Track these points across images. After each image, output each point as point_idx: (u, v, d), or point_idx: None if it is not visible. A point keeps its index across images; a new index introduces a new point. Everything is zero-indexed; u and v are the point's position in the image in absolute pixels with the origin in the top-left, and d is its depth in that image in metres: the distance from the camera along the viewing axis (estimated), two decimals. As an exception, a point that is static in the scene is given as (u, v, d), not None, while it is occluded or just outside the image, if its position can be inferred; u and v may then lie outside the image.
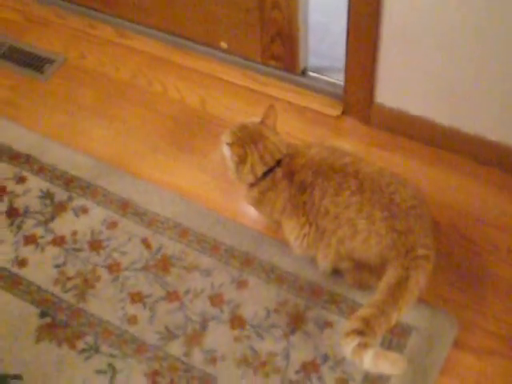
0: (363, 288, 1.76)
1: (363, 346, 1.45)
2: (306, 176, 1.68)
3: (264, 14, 2.09)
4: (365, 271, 1.69)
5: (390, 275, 1.59)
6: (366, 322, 1.49)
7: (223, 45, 2.26)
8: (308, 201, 1.67)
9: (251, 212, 1.93)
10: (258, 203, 1.78)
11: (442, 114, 1.98)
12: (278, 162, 1.72)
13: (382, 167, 1.70)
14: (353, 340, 1.46)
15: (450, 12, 1.74)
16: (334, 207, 1.64)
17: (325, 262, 1.72)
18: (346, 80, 2.06)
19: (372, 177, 1.65)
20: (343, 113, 2.12)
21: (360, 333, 1.47)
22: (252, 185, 1.76)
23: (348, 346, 1.46)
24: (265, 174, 1.72)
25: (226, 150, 1.74)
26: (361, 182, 1.64)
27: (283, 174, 1.71)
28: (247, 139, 1.71)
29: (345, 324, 1.55)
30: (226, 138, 1.74)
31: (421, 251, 1.61)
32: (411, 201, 1.65)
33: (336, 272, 1.76)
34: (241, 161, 1.71)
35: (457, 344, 1.68)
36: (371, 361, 1.43)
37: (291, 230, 1.72)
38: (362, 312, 1.53)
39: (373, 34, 1.89)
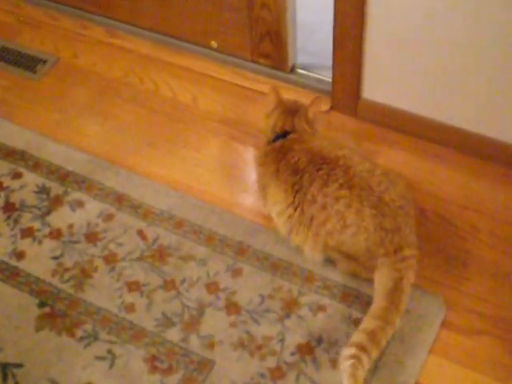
0: (355, 276, 1.82)
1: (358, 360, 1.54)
2: (300, 161, 1.76)
3: (253, 14, 2.16)
4: (355, 263, 1.76)
5: (385, 280, 1.67)
6: (372, 334, 1.58)
7: (213, 44, 2.32)
8: (297, 184, 1.76)
9: (245, 202, 2.00)
10: (258, 164, 1.90)
11: (426, 108, 2.05)
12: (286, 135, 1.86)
13: (374, 165, 1.77)
14: (350, 350, 1.56)
15: (434, 8, 1.82)
16: (322, 197, 1.72)
17: (314, 251, 1.79)
18: (334, 76, 2.14)
19: (362, 174, 1.73)
20: (331, 108, 2.19)
21: (362, 348, 1.56)
22: (265, 144, 1.90)
23: (344, 355, 1.56)
24: (275, 140, 1.86)
25: (269, 95, 1.91)
26: (350, 177, 1.72)
27: (281, 146, 1.82)
28: (285, 104, 1.90)
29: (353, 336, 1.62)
30: (272, 89, 1.91)
31: (408, 251, 1.69)
32: (400, 200, 1.72)
33: (328, 260, 1.83)
34: (271, 110, 1.90)
35: (444, 324, 1.75)
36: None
37: (275, 203, 1.81)
38: (369, 324, 1.61)
39: (358, 32, 1.96)
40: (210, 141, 2.16)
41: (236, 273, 1.87)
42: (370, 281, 1.72)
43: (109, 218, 2.00)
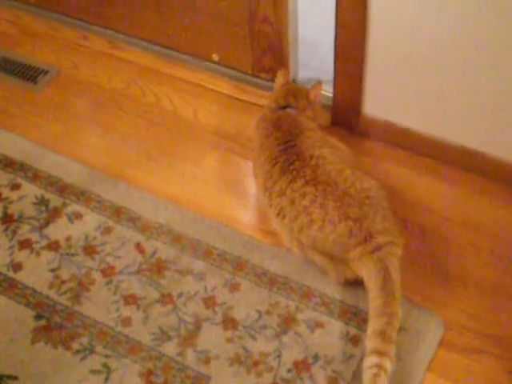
0: (346, 281, 1.83)
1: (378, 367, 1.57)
2: (278, 149, 1.84)
3: (254, 28, 2.18)
4: (337, 263, 1.77)
5: (372, 274, 1.68)
6: (383, 334, 1.59)
7: (215, 57, 2.34)
8: (269, 172, 1.83)
9: (244, 217, 2.01)
10: (255, 128, 2.02)
11: (427, 125, 2.06)
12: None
13: (344, 167, 1.81)
14: (371, 360, 1.58)
15: (434, 28, 1.84)
16: (290, 191, 1.77)
17: (291, 245, 1.83)
18: (335, 92, 2.15)
19: (330, 173, 1.77)
20: (332, 123, 2.20)
21: (379, 353, 1.58)
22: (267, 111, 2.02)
23: (367, 365, 1.58)
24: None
25: (280, 74, 2.06)
26: (316, 175, 1.76)
27: (277, 119, 1.93)
28: (292, 84, 2.08)
29: (367, 342, 1.63)
30: (283, 71, 2.08)
31: (382, 238, 1.70)
32: (366, 192, 1.76)
33: (323, 274, 1.84)
34: (279, 86, 2.03)
35: (443, 343, 1.75)
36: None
37: (258, 185, 1.92)
38: (376, 324, 1.62)
39: (359, 48, 1.98)
40: (210, 154, 2.17)
41: (233, 288, 1.87)
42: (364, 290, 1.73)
43: (107, 230, 2.00)
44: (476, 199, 2.03)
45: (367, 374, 1.57)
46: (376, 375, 1.56)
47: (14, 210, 2.07)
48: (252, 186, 2.05)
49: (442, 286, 1.86)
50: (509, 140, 1.98)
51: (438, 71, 1.93)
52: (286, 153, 1.83)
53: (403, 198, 2.04)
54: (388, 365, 1.58)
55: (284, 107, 1.98)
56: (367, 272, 1.70)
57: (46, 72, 2.44)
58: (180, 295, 1.86)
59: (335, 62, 2.07)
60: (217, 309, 1.83)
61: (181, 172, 2.13)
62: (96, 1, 2.45)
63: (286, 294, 1.85)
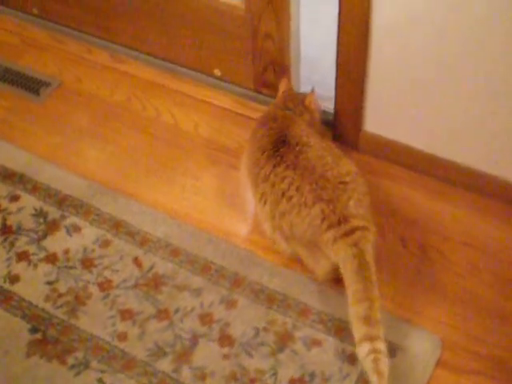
0: (330, 278, 1.84)
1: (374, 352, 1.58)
2: (268, 139, 1.89)
3: (257, 44, 2.18)
4: (317, 254, 1.78)
5: (347, 260, 1.68)
6: (368, 318, 1.61)
7: (217, 72, 2.34)
8: (258, 159, 1.87)
9: (242, 232, 2.01)
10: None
11: (428, 143, 2.06)
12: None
13: (327, 154, 1.84)
14: (364, 347, 1.60)
15: (436, 48, 1.84)
16: (273, 176, 1.81)
17: (275, 236, 1.86)
18: (336, 109, 2.16)
19: (310, 159, 1.80)
20: (333, 139, 2.20)
21: (369, 338, 1.59)
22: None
23: (362, 354, 1.60)
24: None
25: (282, 81, 2.14)
26: (298, 160, 1.80)
27: (272, 116, 1.99)
28: (292, 90, 2.13)
29: (353, 331, 1.64)
30: (286, 78, 2.15)
31: (356, 221, 1.71)
32: (343, 177, 1.78)
33: (320, 291, 1.83)
34: (280, 92, 2.11)
35: (440, 363, 1.74)
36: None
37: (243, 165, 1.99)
38: (358, 311, 1.63)
39: (361, 65, 1.98)
40: (210, 169, 2.17)
41: (230, 304, 1.86)
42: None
43: (105, 244, 2.00)
44: (477, 219, 2.02)
45: (367, 362, 1.59)
46: (376, 360, 1.57)
47: (12, 221, 2.07)
48: (251, 203, 2.04)
49: (440, 305, 1.85)
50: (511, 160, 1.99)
51: (439, 90, 1.93)
52: (275, 142, 1.87)
53: (403, 216, 2.03)
54: (382, 346, 1.59)
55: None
56: (342, 257, 1.70)
57: (49, 84, 2.45)
58: (177, 311, 1.86)
59: (336, 79, 2.07)
60: (213, 325, 1.82)
61: (180, 186, 2.13)
62: (100, 14, 2.46)
63: (283, 311, 1.84)
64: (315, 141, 1.89)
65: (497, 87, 1.84)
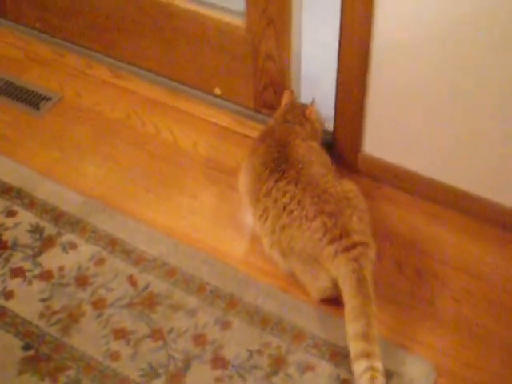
0: (326, 297, 1.85)
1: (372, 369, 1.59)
2: (271, 155, 1.90)
3: (257, 64, 2.19)
4: (315, 269, 1.78)
5: (347, 276, 1.69)
6: (366, 335, 1.62)
7: (217, 91, 2.36)
8: (260, 175, 1.88)
9: (239, 253, 2.01)
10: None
11: (426, 167, 2.07)
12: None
13: (328, 172, 1.86)
14: (361, 365, 1.61)
15: (435, 74, 1.86)
16: (275, 191, 1.82)
17: (273, 252, 1.86)
18: (335, 129, 2.17)
19: (312, 175, 1.82)
20: (332, 160, 2.20)
21: (366, 355, 1.60)
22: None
23: (359, 371, 1.61)
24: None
25: (285, 94, 2.14)
26: (299, 176, 1.82)
27: (273, 129, 2.03)
28: (295, 102, 2.13)
29: (350, 347, 1.65)
30: (289, 91, 2.15)
31: (358, 237, 1.73)
32: (345, 193, 1.80)
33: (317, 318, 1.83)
34: (283, 105, 2.12)
35: (435, 391, 1.74)
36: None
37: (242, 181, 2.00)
38: (355, 327, 1.64)
39: (361, 86, 2.00)
40: (208, 188, 2.18)
41: (225, 326, 1.86)
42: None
43: (100, 261, 2.00)
44: (473, 244, 2.03)
45: (364, 380, 1.59)
46: (373, 378, 1.58)
47: (8, 236, 2.07)
48: (248, 223, 2.06)
49: (435, 331, 1.85)
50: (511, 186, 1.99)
51: (438, 114, 1.94)
52: (276, 157, 1.89)
53: (400, 239, 2.04)
54: (379, 365, 1.60)
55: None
56: (342, 272, 1.71)
57: (49, 98, 2.46)
58: (170, 331, 1.86)
59: (336, 100, 2.09)
60: (207, 347, 1.82)
61: (178, 205, 2.14)
62: (101, 29, 2.48)
63: (278, 334, 1.84)
64: (316, 158, 1.90)
65: (495, 112, 1.85)
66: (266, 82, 2.22)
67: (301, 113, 2.06)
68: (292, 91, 2.13)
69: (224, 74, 2.30)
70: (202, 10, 2.22)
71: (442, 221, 2.08)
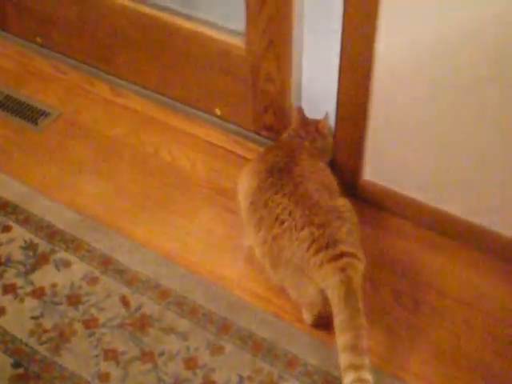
0: (319, 320, 1.87)
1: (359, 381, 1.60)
2: (276, 166, 1.93)
3: (257, 86, 2.21)
4: (304, 281, 1.79)
5: (335, 288, 1.70)
6: (355, 347, 1.62)
7: (217, 111, 2.38)
8: (262, 181, 1.91)
9: (233, 277, 2.02)
10: None
11: (428, 195, 2.08)
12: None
13: (324, 189, 1.89)
14: (349, 376, 1.61)
15: (438, 101, 1.87)
16: (271, 202, 1.85)
17: (265, 262, 1.88)
18: (335, 154, 2.17)
19: (308, 189, 1.85)
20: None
21: (354, 367, 1.61)
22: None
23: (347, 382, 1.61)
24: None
25: (295, 112, 2.17)
26: (296, 189, 1.84)
27: (283, 143, 2.09)
28: (306, 118, 2.15)
29: (340, 360, 1.65)
30: (299, 108, 2.17)
31: (345, 247, 1.74)
32: (337, 208, 1.83)
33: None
34: (293, 121, 2.17)
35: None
36: None
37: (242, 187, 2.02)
38: (345, 339, 1.64)
39: (362, 113, 2.01)
40: (204, 210, 2.19)
41: (216, 350, 1.87)
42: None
43: (93, 281, 2.01)
44: (474, 275, 2.03)
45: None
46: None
47: (2, 252, 2.09)
48: (244, 246, 2.06)
49: (431, 363, 1.85)
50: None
51: (440, 142, 1.95)
52: (280, 170, 1.91)
53: (399, 268, 2.04)
54: (368, 376, 1.61)
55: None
56: (330, 283, 1.71)
57: (48, 114, 2.48)
58: (161, 354, 1.86)
59: (336, 124, 2.11)
60: (198, 371, 1.83)
61: (173, 226, 2.15)
62: (102, 47, 2.51)
63: (269, 361, 1.84)
64: (317, 176, 1.93)
65: (499, 140, 1.86)
66: (266, 104, 2.24)
67: (314, 128, 2.11)
68: (301, 108, 2.16)
69: (224, 95, 2.32)
70: (202, 30, 2.24)
71: (443, 250, 2.08)
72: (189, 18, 2.29)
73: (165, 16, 2.30)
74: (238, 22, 2.14)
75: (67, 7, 2.50)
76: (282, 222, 1.81)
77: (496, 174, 1.92)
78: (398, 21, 1.80)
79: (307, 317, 1.90)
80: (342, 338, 1.66)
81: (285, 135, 2.14)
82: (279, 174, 1.91)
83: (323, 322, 1.87)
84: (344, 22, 1.87)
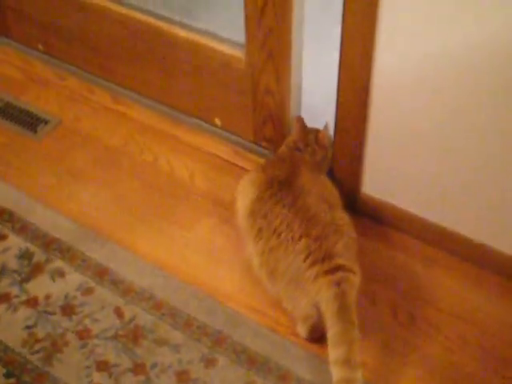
0: (314, 333, 1.88)
1: None
2: (276, 179, 1.94)
3: (257, 98, 2.22)
4: (298, 293, 1.79)
5: (329, 301, 1.70)
6: (347, 361, 1.63)
7: (217, 121, 2.39)
8: (262, 192, 1.93)
9: (229, 289, 2.02)
10: None
11: (426, 210, 2.08)
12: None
13: (323, 203, 1.89)
14: None
15: (438, 114, 1.87)
16: (270, 214, 1.86)
17: (261, 273, 1.88)
18: (333, 167, 2.18)
19: (307, 202, 1.86)
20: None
21: (346, 381, 1.62)
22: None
23: None
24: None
25: (295, 122, 2.18)
26: (295, 201, 1.85)
27: (283, 156, 2.10)
28: (306, 128, 2.16)
29: (332, 373, 1.66)
30: (299, 118, 2.18)
31: (341, 261, 1.75)
32: (336, 221, 1.84)
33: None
34: (293, 132, 2.17)
35: None
36: None
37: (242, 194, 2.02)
38: (337, 353, 1.65)
39: (360, 126, 2.01)
40: (202, 221, 2.20)
41: (210, 363, 1.87)
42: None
43: (88, 291, 2.02)
44: (472, 291, 2.03)
45: None
46: None
47: (-3, 261, 2.11)
48: (241, 259, 2.07)
49: (425, 378, 1.84)
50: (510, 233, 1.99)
51: (441, 156, 1.95)
52: (280, 182, 1.92)
53: (396, 283, 2.04)
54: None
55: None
56: (324, 296, 1.72)
57: (47, 122, 2.50)
58: (154, 366, 1.87)
59: (335, 136, 2.11)
60: (190, 384, 1.84)
61: (170, 237, 2.16)
62: (103, 55, 2.53)
63: (263, 375, 1.84)
64: (317, 189, 1.94)
65: (500, 155, 1.86)
66: (265, 117, 2.24)
67: (313, 138, 2.12)
68: (301, 117, 2.17)
69: (224, 106, 2.33)
70: (203, 40, 2.25)
71: (441, 265, 2.08)
72: (190, 28, 2.30)
73: (166, 26, 2.32)
74: (240, 33, 2.16)
75: (68, 15, 2.52)
76: (280, 234, 1.82)
77: (497, 191, 1.92)
78: (398, 32, 1.80)
79: (302, 330, 1.90)
80: (334, 352, 1.67)
81: (283, 147, 2.15)
82: (279, 185, 1.92)
83: (318, 336, 1.87)
84: (343, 33, 1.87)
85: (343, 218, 1.89)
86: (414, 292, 2.02)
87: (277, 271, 1.83)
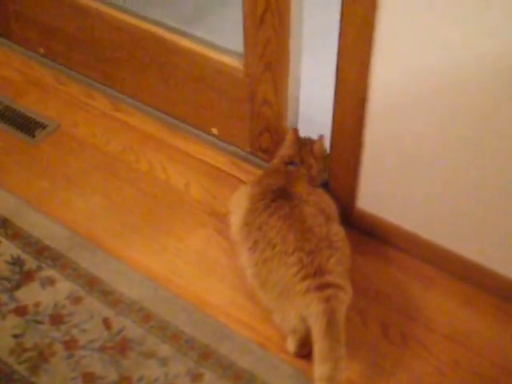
0: (302, 349, 1.89)
1: None
2: (270, 189, 1.97)
3: (254, 108, 2.24)
4: (287, 307, 1.81)
5: (318, 317, 1.72)
6: (332, 379, 1.65)
7: (214, 131, 2.41)
8: (254, 205, 1.95)
9: (219, 303, 2.04)
10: None
11: (423, 227, 2.08)
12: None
13: (320, 214, 1.91)
14: None
15: (435, 129, 1.88)
16: (265, 225, 1.89)
17: (254, 283, 1.90)
18: (329, 181, 2.19)
19: (303, 214, 1.88)
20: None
21: None
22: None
23: None
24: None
25: (289, 134, 2.19)
26: (291, 212, 1.88)
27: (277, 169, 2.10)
28: (300, 140, 2.17)
29: None
30: (294, 130, 2.19)
31: (332, 278, 1.77)
32: (331, 236, 1.86)
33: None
34: (287, 144, 2.16)
35: None
36: None
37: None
38: (322, 370, 1.67)
39: (356, 142, 2.03)
40: (195, 232, 2.21)
41: (196, 378, 1.89)
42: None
43: (77, 300, 2.05)
44: (465, 312, 2.03)
45: None
46: None
47: (-12, 268, 2.14)
48: (233, 272, 2.08)
49: (415, 402, 1.86)
50: (509, 255, 1.99)
51: (437, 173, 1.95)
52: (276, 194, 1.95)
53: (389, 301, 2.05)
54: None
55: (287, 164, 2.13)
56: (312, 311, 1.73)
57: (45, 126, 2.53)
58: (140, 379, 1.89)
59: (331, 151, 2.12)
60: (175, 398, 1.86)
61: (163, 247, 2.18)
62: (104, 61, 2.56)
63: (248, 391, 1.87)
64: (313, 199, 1.96)
65: (497, 175, 1.86)
66: (262, 127, 2.26)
67: (308, 151, 2.13)
68: (296, 129, 2.18)
69: (221, 115, 2.35)
70: (203, 49, 2.28)
71: (436, 284, 2.09)
72: (190, 37, 2.33)
73: (166, 34, 2.35)
74: (238, 43, 2.18)
75: (71, 20, 2.55)
76: (275, 246, 1.84)
77: (494, 210, 1.92)
78: (395, 47, 1.81)
79: (290, 344, 1.91)
80: (319, 368, 1.68)
81: (276, 160, 2.15)
82: (274, 196, 1.94)
83: (307, 352, 1.87)
84: (340, 46, 1.89)
85: (338, 232, 1.91)
86: (407, 310, 2.03)
87: (269, 283, 1.85)
